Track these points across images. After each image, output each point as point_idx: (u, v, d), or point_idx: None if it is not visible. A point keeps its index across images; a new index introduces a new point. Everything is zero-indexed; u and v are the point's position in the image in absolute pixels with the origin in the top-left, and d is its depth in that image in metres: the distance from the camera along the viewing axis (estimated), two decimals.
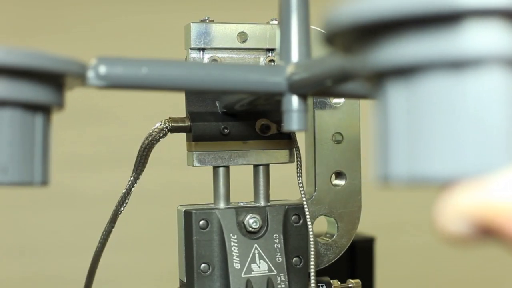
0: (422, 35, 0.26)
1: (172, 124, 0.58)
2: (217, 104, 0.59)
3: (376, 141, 0.29)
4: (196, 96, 0.59)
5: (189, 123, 0.58)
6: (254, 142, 0.59)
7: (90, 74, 0.40)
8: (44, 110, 0.38)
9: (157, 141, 0.58)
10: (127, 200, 0.59)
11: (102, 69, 0.40)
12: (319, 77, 0.41)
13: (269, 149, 0.59)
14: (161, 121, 0.58)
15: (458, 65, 0.26)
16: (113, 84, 0.41)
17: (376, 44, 0.27)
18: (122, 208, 0.59)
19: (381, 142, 0.29)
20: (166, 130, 0.58)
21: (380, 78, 0.28)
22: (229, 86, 0.44)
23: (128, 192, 0.59)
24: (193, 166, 0.58)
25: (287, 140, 0.59)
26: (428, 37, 0.26)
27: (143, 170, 0.59)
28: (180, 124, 0.58)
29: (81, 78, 0.38)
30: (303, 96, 0.44)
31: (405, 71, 0.27)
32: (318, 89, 0.44)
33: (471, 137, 0.26)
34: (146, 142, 0.58)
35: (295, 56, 0.45)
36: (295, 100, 0.44)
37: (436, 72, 0.26)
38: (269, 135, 0.59)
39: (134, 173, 0.59)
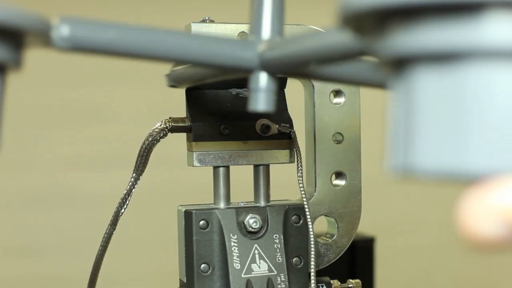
0: (458, 21, 0.24)
1: (173, 124, 0.58)
2: (165, 79, 0.58)
3: (395, 129, 0.27)
4: (196, 96, 0.59)
5: (189, 123, 0.58)
6: (254, 142, 0.59)
7: (55, 34, 0.36)
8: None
9: (158, 141, 0.58)
10: (128, 202, 0.59)
11: (65, 30, 0.37)
12: (300, 56, 0.38)
13: (269, 149, 0.59)
14: (162, 121, 0.58)
15: (498, 54, 0.24)
16: (77, 47, 0.37)
17: (407, 27, 0.25)
18: (123, 210, 0.59)
19: (402, 130, 0.27)
20: (167, 130, 0.58)
21: (406, 64, 0.26)
22: (197, 58, 0.41)
23: (128, 193, 0.59)
24: (193, 166, 0.58)
25: (287, 140, 0.59)
26: (463, 23, 0.24)
27: (143, 171, 0.59)
28: (181, 124, 0.58)
29: (44, 37, 0.35)
30: (273, 75, 0.42)
31: (440, 57, 0.25)
32: (295, 69, 0.42)
33: (510, 130, 0.24)
34: (147, 142, 0.58)
35: (266, 32, 0.43)
36: (264, 79, 0.41)
37: (475, 59, 0.24)
38: (270, 135, 0.59)
39: (134, 174, 0.59)
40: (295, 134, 0.59)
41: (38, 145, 1.39)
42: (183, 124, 0.58)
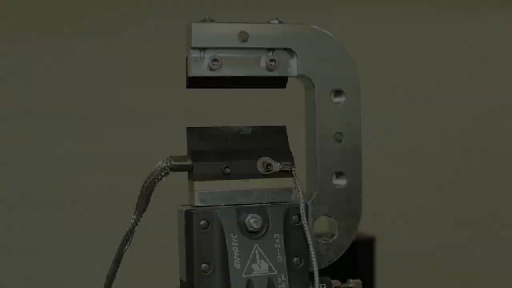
0: None
1: (174, 163, 0.58)
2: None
3: None
4: (197, 133, 0.59)
5: (190, 162, 0.58)
6: (256, 180, 0.59)
7: None
8: None
9: (159, 180, 0.58)
10: (131, 239, 0.59)
11: None
12: None
13: (271, 187, 0.59)
14: (163, 160, 0.57)
15: None
16: None
17: None
18: (126, 247, 0.59)
19: None
20: (168, 169, 0.57)
21: None
22: None
23: (131, 231, 0.59)
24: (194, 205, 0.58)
25: (289, 179, 0.59)
26: None
27: (145, 209, 0.59)
28: (182, 163, 0.58)
29: None
30: None
31: None
32: None
33: None
34: (148, 181, 0.57)
35: None
36: None
37: None
38: (271, 173, 0.59)
39: (136, 212, 0.59)
40: (296, 172, 0.59)
41: (38, 145, 1.39)
42: (185, 163, 0.58)
